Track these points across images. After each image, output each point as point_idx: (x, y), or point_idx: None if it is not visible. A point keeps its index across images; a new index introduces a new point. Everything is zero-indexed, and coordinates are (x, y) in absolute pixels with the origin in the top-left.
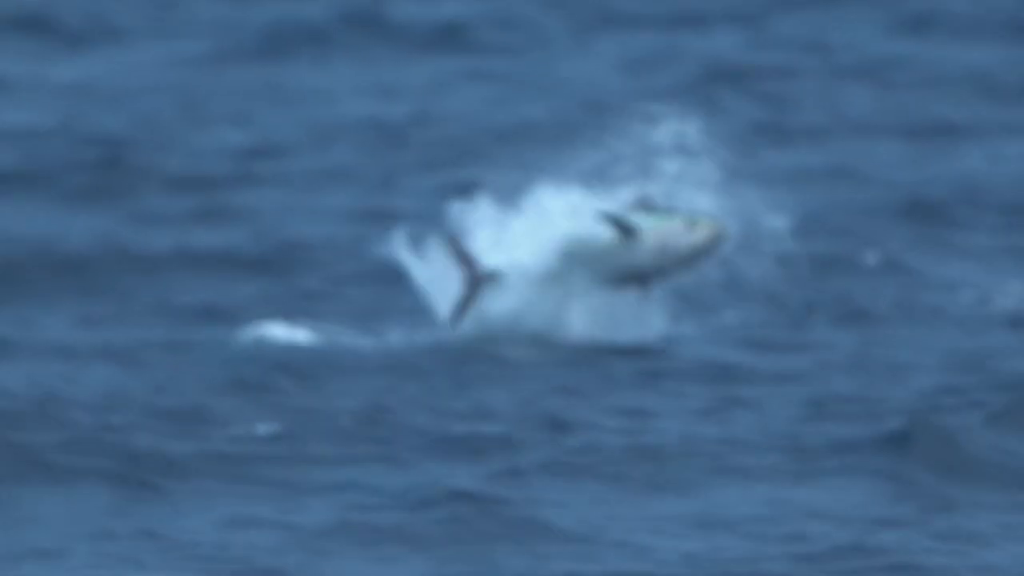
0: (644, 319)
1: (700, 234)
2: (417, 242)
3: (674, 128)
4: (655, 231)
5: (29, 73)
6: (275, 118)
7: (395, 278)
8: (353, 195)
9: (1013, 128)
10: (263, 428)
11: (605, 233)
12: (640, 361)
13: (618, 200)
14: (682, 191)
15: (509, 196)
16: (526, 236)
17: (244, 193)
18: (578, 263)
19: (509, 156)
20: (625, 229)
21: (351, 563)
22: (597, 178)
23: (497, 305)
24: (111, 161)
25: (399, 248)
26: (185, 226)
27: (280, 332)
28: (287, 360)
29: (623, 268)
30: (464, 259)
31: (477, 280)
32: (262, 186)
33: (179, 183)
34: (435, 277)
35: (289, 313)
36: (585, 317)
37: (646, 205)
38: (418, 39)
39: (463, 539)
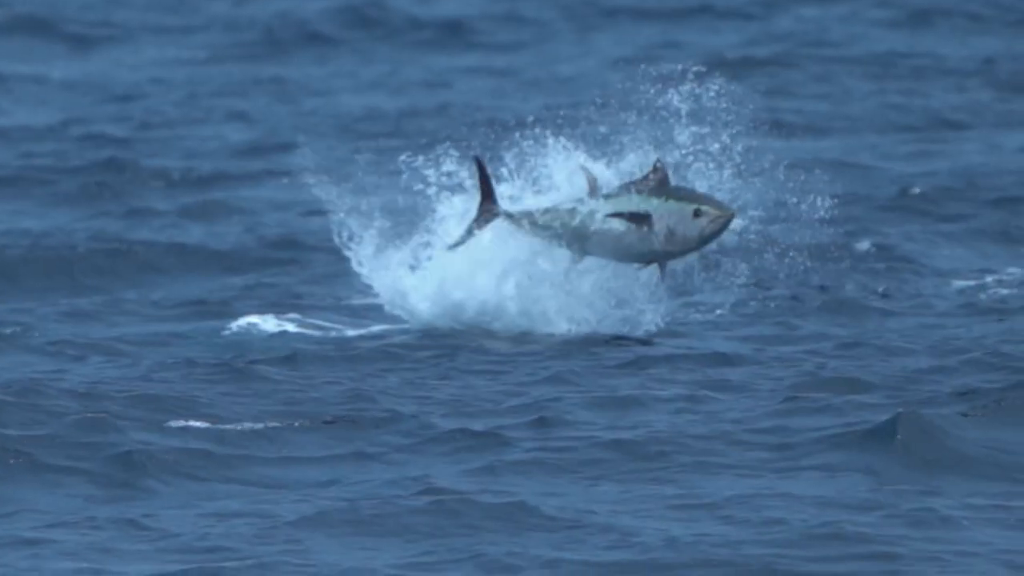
0: (632, 308)
1: (706, 219)
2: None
3: (680, 108)
4: (663, 218)
5: (30, 72)
6: (275, 115)
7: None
8: (348, 190)
9: (1010, 120)
10: (248, 420)
11: (612, 214)
12: (628, 350)
13: (627, 166)
14: (688, 168)
15: (515, 169)
16: (533, 206)
17: (240, 189)
18: (586, 242)
19: (513, 141)
20: (636, 217)
21: (330, 553)
22: (605, 148)
23: (488, 291)
24: (109, 159)
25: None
26: (180, 222)
27: (269, 325)
28: (274, 352)
29: (633, 249)
30: (484, 186)
31: (488, 213)
32: (258, 182)
33: (176, 180)
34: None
35: (279, 307)
36: (573, 306)
37: (660, 181)
38: (419, 37)
39: (446, 529)
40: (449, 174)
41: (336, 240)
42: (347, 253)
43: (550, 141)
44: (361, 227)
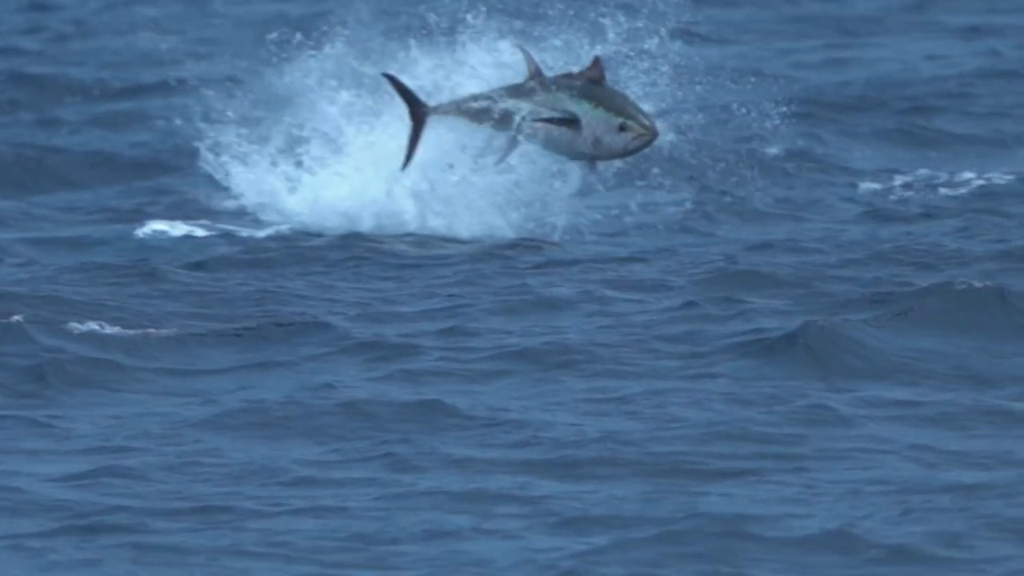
0: (544, 211)
1: (631, 135)
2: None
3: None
4: (590, 125)
5: None
6: (187, 23)
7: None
8: (253, 101)
9: (923, 28)
10: (157, 325)
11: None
12: (539, 254)
13: (552, 60)
14: (621, 64)
15: (435, 56)
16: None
17: (152, 98)
18: (517, 134)
19: (431, 45)
20: (564, 121)
21: (237, 452)
22: (526, 39)
23: (380, 201)
24: (20, 71)
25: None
26: (91, 130)
27: (178, 231)
28: (184, 257)
29: (561, 147)
30: (406, 95)
31: (421, 117)
32: (169, 90)
33: (89, 90)
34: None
35: (189, 212)
36: (482, 212)
37: (594, 79)
38: None
39: (356, 430)
40: (337, 59)
41: (203, 149)
42: (222, 162)
43: (468, 17)
44: (248, 135)
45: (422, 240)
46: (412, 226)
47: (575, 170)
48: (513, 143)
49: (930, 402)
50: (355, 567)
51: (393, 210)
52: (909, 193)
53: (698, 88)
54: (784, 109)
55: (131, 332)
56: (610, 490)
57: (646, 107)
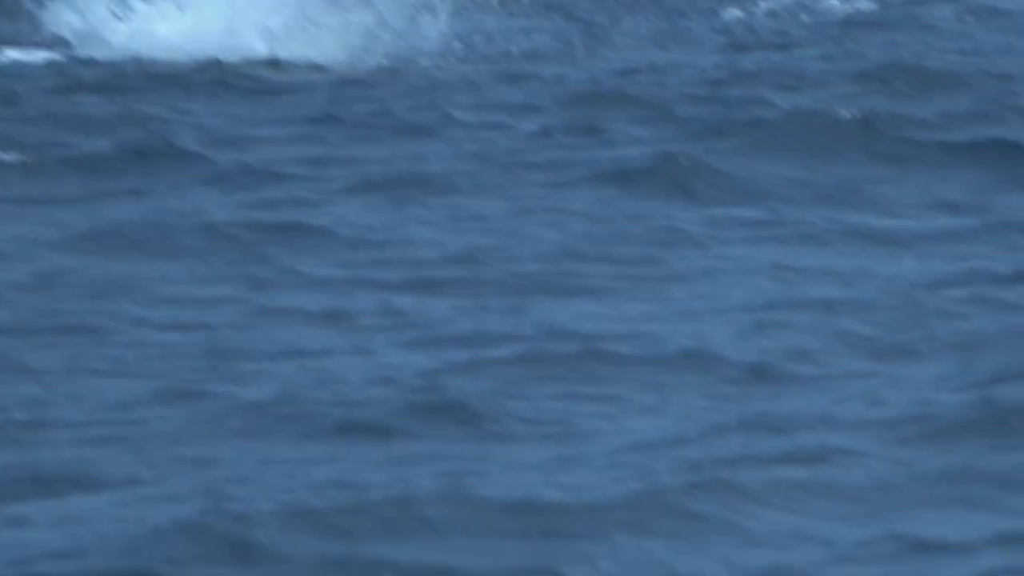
0: (411, 46)
1: None
2: None
3: None
4: None
5: None
6: None
7: None
8: None
9: None
10: (12, 151)
11: None
12: (401, 80)
13: None
14: None
15: None
16: None
17: None
18: None
19: None
20: None
21: (91, 272)
22: None
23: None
24: None
25: None
26: None
27: (37, 57)
28: (44, 82)
29: None
30: None
31: None
32: None
33: None
34: None
35: (47, 39)
36: (347, 46)
37: None
38: None
39: (217, 252)
40: None
41: None
42: None
43: None
44: None
45: (284, 67)
46: (265, 53)
47: (443, 4)
48: None
49: (789, 223)
50: (211, 382)
51: (240, 47)
52: (772, 21)
53: None
54: None
55: None
56: (469, 308)
57: None
